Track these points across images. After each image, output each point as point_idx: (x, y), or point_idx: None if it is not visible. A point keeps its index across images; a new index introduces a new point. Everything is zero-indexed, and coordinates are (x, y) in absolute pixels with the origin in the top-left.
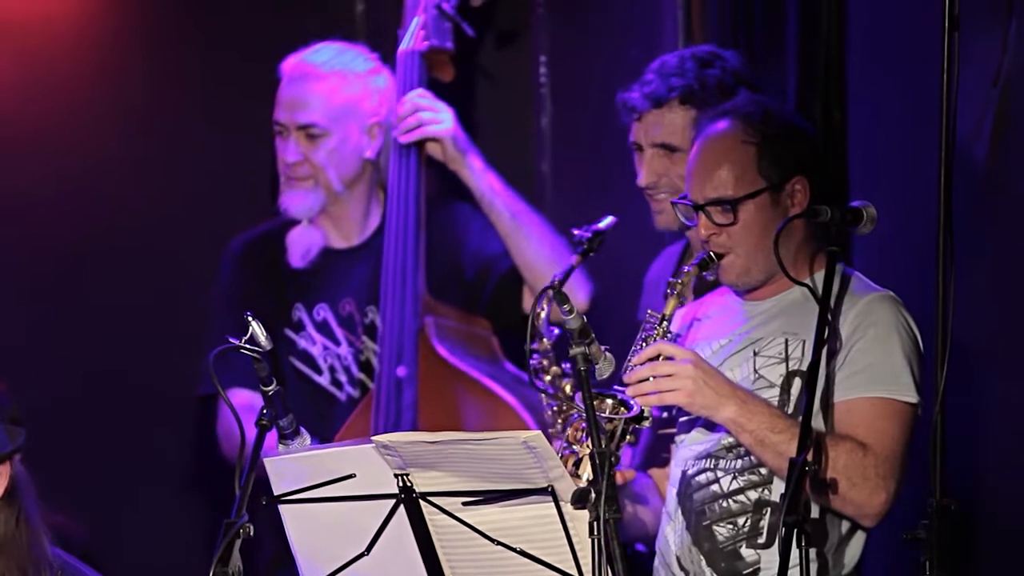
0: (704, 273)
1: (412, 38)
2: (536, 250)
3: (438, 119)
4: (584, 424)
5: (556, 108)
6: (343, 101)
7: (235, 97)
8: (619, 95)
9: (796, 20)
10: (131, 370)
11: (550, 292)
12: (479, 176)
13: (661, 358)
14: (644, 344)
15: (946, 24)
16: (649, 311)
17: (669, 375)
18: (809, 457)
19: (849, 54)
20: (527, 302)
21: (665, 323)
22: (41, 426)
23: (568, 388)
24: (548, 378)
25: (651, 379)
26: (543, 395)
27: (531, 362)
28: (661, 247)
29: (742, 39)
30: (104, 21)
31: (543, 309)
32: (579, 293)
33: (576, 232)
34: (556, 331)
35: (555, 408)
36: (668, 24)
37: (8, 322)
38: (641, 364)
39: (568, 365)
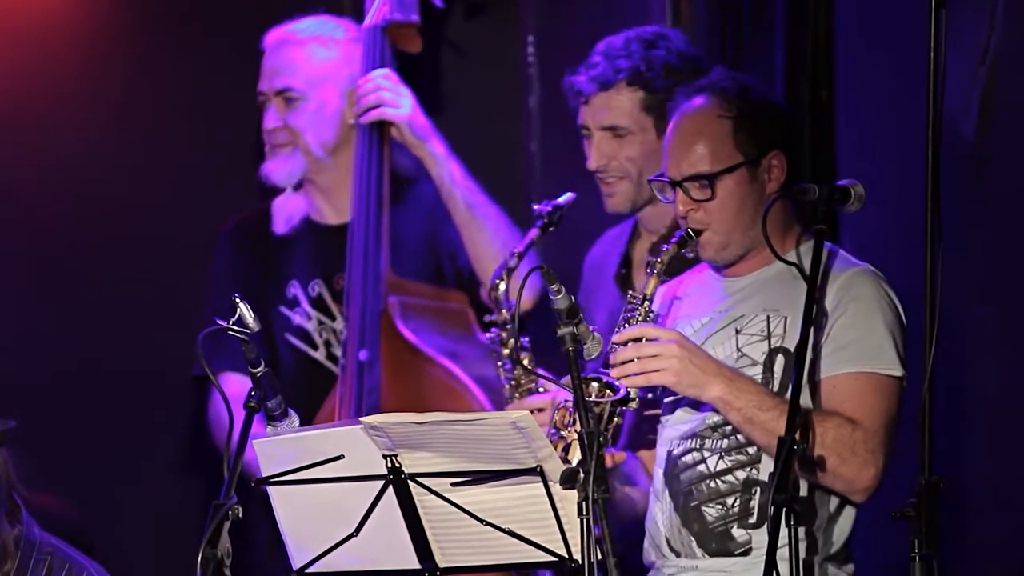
0: (683, 251)
1: (375, 12)
2: (487, 244)
3: (397, 103)
4: (571, 408)
5: (544, 88)
6: (321, 65)
7: (224, 78)
8: (565, 79)
9: None
10: (126, 352)
11: (511, 263)
12: (440, 164)
13: (644, 340)
14: (627, 325)
15: (933, 2)
16: (631, 291)
17: (654, 355)
18: (797, 436)
19: (837, 32)
20: (482, 293)
21: (647, 303)
22: (36, 408)
23: (526, 361)
24: (506, 351)
25: (636, 360)
26: (500, 371)
27: (489, 335)
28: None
29: (729, 16)
30: (92, 3)
31: (503, 280)
32: (527, 292)
33: (536, 207)
34: (513, 303)
35: (512, 383)
36: (655, 1)
37: (2, 306)
38: (624, 344)
39: (528, 340)
